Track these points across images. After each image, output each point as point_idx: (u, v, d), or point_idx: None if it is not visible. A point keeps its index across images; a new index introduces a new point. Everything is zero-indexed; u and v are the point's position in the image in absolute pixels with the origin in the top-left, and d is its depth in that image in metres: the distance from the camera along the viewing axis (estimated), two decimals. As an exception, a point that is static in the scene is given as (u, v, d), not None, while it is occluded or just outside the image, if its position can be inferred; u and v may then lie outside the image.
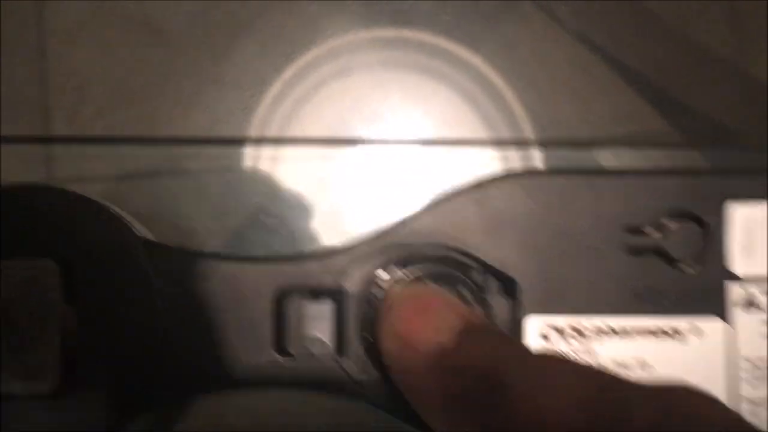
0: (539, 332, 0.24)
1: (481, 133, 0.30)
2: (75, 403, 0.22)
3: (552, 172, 0.25)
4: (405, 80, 0.30)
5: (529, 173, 0.25)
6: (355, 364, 0.24)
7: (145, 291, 0.23)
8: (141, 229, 0.24)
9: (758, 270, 0.24)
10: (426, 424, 0.22)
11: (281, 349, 0.24)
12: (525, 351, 0.21)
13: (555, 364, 0.20)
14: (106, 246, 0.23)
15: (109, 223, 0.23)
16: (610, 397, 0.18)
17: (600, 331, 0.24)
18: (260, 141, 0.30)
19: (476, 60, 0.30)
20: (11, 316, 0.22)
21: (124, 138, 0.29)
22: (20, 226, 0.23)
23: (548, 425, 0.18)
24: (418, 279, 0.24)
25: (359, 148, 0.30)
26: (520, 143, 0.30)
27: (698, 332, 0.24)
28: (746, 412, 0.24)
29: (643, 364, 0.24)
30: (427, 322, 0.22)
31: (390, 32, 0.30)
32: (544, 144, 0.30)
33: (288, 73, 0.30)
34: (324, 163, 0.30)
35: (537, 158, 0.29)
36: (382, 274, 0.24)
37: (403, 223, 0.24)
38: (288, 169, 0.30)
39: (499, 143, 0.30)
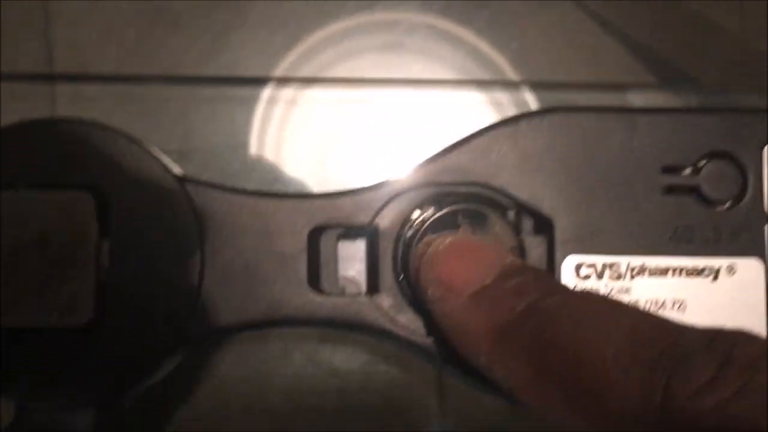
0: (574, 271, 0.24)
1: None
2: (107, 337, 0.22)
3: (589, 109, 0.24)
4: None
5: (566, 110, 0.24)
6: (388, 302, 0.24)
7: (179, 227, 0.23)
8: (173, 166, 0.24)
9: (796, 209, 0.24)
10: (462, 362, 0.22)
11: (315, 286, 0.24)
12: (567, 288, 0.21)
13: (599, 301, 0.20)
14: (142, 181, 0.23)
15: (145, 158, 0.23)
16: (665, 340, 0.18)
17: (636, 271, 0.24)
18: (285, 81, 0.30)
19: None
20: (47, 248, 0.22)
21: (133, 77, 0.29)
22: (56, 159, 0.22)
23: (599, 361, 0.18)
24: (452, 219, 0.24)
25: (386, 90, 0.29)
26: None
27: (735, 272, 0.24)
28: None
29: (680, 304, 0.24)
30: (468, 265, 0.21)
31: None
32: (569, 86, 0.30)
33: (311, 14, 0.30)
34: (349, 106, 0.29)
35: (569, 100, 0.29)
36: (416, 215, 0.24)
37: (436, 161, 0.24)
38: (314, 110, 0.29)
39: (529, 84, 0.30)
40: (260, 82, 0.29)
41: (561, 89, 0.29)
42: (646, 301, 0.24)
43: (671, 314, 0.24)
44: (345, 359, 0.28)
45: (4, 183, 0.22)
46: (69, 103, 0.29)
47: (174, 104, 0.29)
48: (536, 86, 0.29)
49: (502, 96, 0.29)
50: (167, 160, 0.24)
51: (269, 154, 0.29)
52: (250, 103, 0.29)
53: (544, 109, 0.24)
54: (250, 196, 0.24)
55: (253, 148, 0.29)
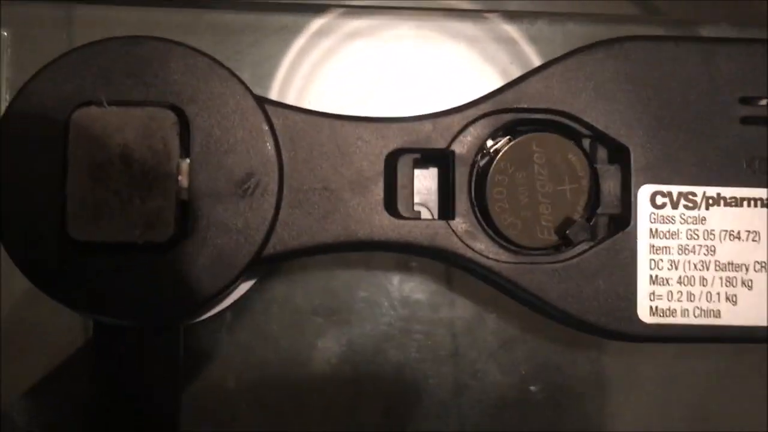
0: (650, 200, 0.24)
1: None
2: (188, 254, 0.22)
3: (666, 38, 0.24)
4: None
5: (643, 38, 0.24)
6: (463, 228, 0.24)
7: (258, 147, 0.23)
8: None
9: None
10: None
11: (392, 210, 0.24)
12: None
13: None
14: (222, 100, 0.23)
15: (225, 78, 0.23)
16: None
17: (711, 201, 0.24)
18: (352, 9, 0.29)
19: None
20: (128, 164, 0.22)
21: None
22: (137, 76, 0.22)
23: None
24: (526, 148, 0.24)
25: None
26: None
27: (811, 203, 0.24)
28: None
29: (755, 235, 0.24)
30: None
31: None
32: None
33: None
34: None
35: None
36: (490, 143, 0.24)
37: (511, 87, 0.24)
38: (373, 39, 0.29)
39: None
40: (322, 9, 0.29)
41: (631, 23, 0.29)
42: (722, 232, 0.24)
43: (746, 245, 0.24)
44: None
45: (87, 99, 0.22)
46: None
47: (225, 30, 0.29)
48: (606, 19, 0.29)
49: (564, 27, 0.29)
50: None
51: (325, 84, 0.29)
52: (302, 33, 0.29)
53: (621, 37, 0.24)
54: (328, 118, 0.24)
55: (310, 76, 0.29)
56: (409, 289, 0.28)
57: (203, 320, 0.25)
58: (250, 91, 0.23)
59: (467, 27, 0.29)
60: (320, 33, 0.29)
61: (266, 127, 0.23)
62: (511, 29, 0.30)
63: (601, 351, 0.28)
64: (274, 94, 0.29)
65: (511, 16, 0.30)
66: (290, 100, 0.29)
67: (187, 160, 0.22)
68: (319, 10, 0.29)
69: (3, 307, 0.26)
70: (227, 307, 0.26)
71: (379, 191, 0.24)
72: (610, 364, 0.28)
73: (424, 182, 0.25)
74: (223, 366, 0.28)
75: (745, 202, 0.24)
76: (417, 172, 0.25)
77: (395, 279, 0.28)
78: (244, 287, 0.25)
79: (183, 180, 0.22)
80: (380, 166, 0.24)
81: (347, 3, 0.29)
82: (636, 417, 0.28)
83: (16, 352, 0.27)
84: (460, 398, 0.28)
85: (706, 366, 0.29)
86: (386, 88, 0.29)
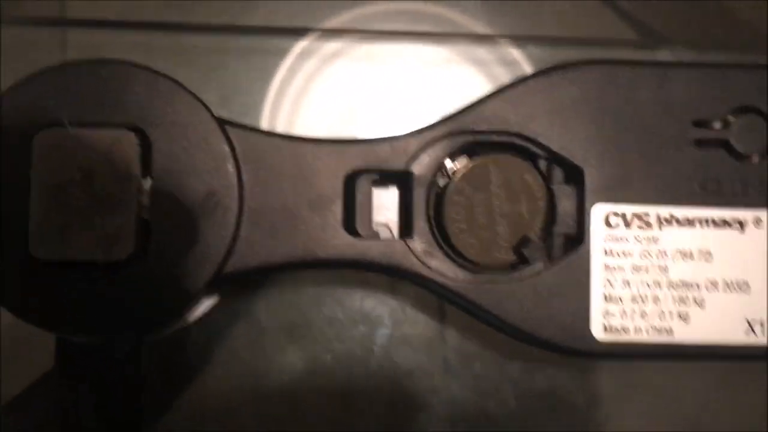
0: (604, 220, 0.24)
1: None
2: (147, 272, 0.23)
3: (622, 62, 0.25)
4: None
5: (599, 62, 0.25)
6: (421, 247, 0.24)
7: (220, 168, 0.23)
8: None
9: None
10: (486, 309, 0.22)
11: (350, 230, 0.24)
12: None
13: None
14: (183, 122, 0.23)
15: (186, 100, 0.23)
16: None
17: (664, 221, 0.25)
18: (322, 32, 0.30)
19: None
20: (90, 185, 0.22)
21: (148, 23, 0.29)
22: (99, 99, 0.23)
23: None
24: (484, 170, 0.25)
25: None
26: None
27: (762, 224, 0.24)
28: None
29: (707, 255, 0.25)
30: None
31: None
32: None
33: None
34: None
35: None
36: (449, 163, 0.25)
37: (469, 110, 0.25)
38: (343, 62, 0.30)
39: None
40: (294, 33, 0.29)
41: (587, 45, 0.29)
42: (674, 251, 0.24)
43: (698, 264, 0.24)
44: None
45: (50, 121, 0.23)
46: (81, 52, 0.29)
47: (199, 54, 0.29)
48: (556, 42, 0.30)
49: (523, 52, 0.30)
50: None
51: (298, 106, 0.29)
52: (280, 55, 0.30)
53: (578, 61, 0.25)
54: (288, 140, 0.24)
55: (282, 99, 0.29)
56: (369, 306, 0.29)
57: (168, 334, 0.26)
58: (212, 113, 0.23)
59: (451, 50, 0.30)
60: (300, 55, 0.30)
61: (227, 149, 0.23)
62: (484, 52, 0.30)
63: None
64: (244, 116, 0.29)
65: (482, 39, 0.30)
66: (263, 122, 0.29)
67: (149, 180, 0.23)
68: (299, 33, 0.30)
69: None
70: (191, 324, 0.26)
71: (338, 211, 0.24)
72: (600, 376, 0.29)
73: (386, 201, 0.26)
74: (189, 380, 0.28)
75: (698, 223, 0.25)
76: (379, 191, 0.25)
77: (357, 296, 0.29)
78: (207, 304, 0.26)
79: (144, 199, 0.23)
80: (339, 187, 0.24)
81: (324, 27, 0.30)
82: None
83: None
84: (425, 411, 0.28)
85: (697, 379, 0.29)
86: (366, 110, 0.29)
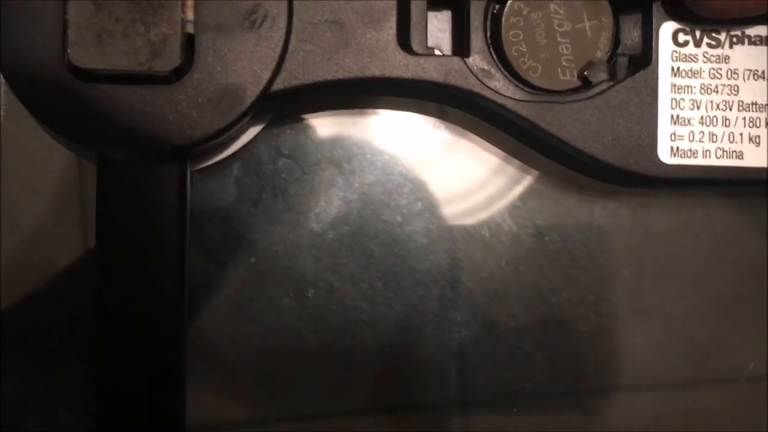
0: (672, 38, 0.23)
1: None
2: (193, 85, 0.21)
3: None
4: None
5: None
6: (478, 65, 0.23)
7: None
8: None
9: None
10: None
11: (406, 47, 0.23)
12: None
13: None
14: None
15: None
16: None
17: (736, 39, 0.23)
18: None
19: None
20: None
21: None
22: None
23: None
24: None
25: None
26: None
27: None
28: None
29: (779, 74, 0.23)
30: None
31: None
32: None
33: None
34: None
35: None
36: None
37: None
38: None
39: None
40: None
41: None
42: (745, 71, 0.23)
43: (770, 86, 0.23)
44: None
45: None
46: None
47: None
48: None
49: None
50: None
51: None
52: None
53: None
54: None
55: None
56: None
57: (210, 166, 0.25)
58: None
59: None
60: None
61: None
62: None
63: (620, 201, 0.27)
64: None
65: None
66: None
67: (192, -6, 0.21)
68: None
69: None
70: (234, 156, 0.25)
71: (392, 26, 0.23)
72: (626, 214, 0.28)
73: (437, 24, 0.24)
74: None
75: (770, 42, 0.23)
76: (434, 14, 0.24)
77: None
78: (252, 132, 0.25)
79: (188, 13, 0.21)
80: (393, 3, 0.23)
81: None
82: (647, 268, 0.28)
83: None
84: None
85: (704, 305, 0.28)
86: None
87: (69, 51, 0.21)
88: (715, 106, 0.23)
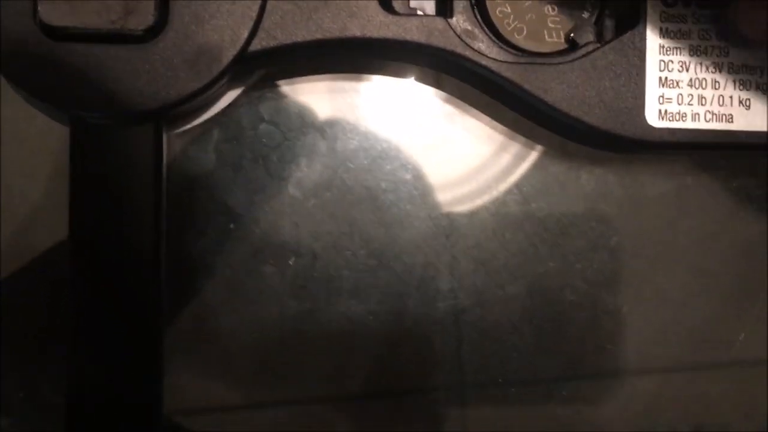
0: (661, -2, 0.23)
1: None
2: (167, 46, 0.21)
3: None
4: None
5: None
6: (462, 26, 0.22)
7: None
8: None
9: None
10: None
11: (387, 6, 0.22)
12: None
13: None
14: None
15: None
16: None
17: (726, -1, 0.23)
18: None
19: None
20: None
21: None
22: None
23: None
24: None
25: None
26: None
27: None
28: None
29: (770, 35, 0.23)
30: None
31: None
32: None
33: None
34: None
35: None
36: None
37: None
38: None
39: None
40: None
41: None
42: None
43: (762, 48, 0.23)
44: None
45: None
46: None
47: None
48: None
49: None
50: None
51: None
52: None
53: None
54: None
55: None
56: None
57: (189, 131, 0.24)
58: None
59: None
60: None
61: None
62: None
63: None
64: None
65: None
66: None
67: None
68: None
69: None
70: (213, 119, 0.24)
71: (371, -13, 0.22)
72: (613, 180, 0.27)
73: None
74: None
75: None
76: (413, -27, 0.23)
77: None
78: (231, 95, 0.24)
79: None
80: (372, -40, 0.22)
81: None
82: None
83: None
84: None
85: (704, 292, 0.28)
86: None
87: (39, 8, 0.20)
88: (704, 69, 0.23)
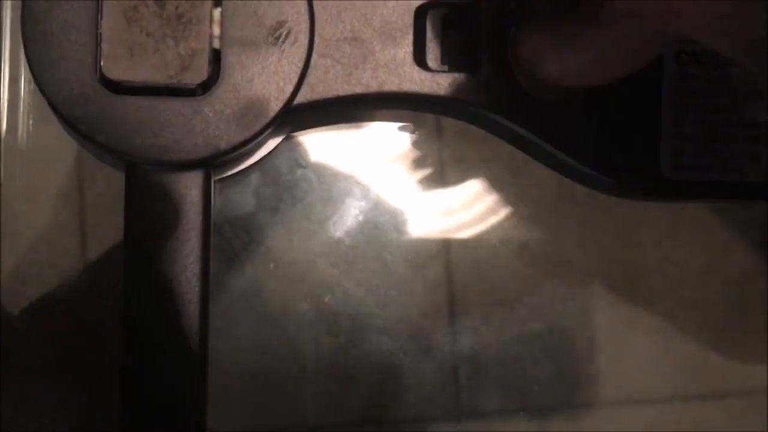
0: (674, 59, 0.24)
1: None
2: (219, 99, 0.23)
3: None
4: None
5: None
6: (490, 81, 0.24)
7: (289, -4, 0.23)
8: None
9: None
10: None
11: (421, 63, 0.24)
12: None
13: None
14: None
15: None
16: None
17: (736, 59, 0.24)
18: None
19: None
20: (164, 6, 0.22)
21: None
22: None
23: None
24: None
25: None
26: None
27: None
28: None
29: (777, 93, 0.24)
30: None
31: None
32: None
33: None
34: None
35: None
36: None
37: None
38: None
39: None
40: None
41: None
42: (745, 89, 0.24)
43: (769, 104, 0.24)
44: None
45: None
46: None
47: None
48: None
49: None
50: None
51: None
52: None
53: None
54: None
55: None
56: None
57: (229, 177, 0.26)
58: None
59: None
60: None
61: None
62: None
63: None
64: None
65: None
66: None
67: (219, 9, 0.23)
68: None
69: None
70: (254, 166, 0.26)
71: (408, 43, 0.24)
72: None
73: (455, 36, 0.25)
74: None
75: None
76: (448, 26, 0.25)
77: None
78: (272, 143, 0.26)
79: (216, 28, 0.23)
80: (410, 19, 0.24)
81: None
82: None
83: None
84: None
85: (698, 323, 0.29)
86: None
87: (102, 64, 0.22)
88: (716, 123, 0.24)
